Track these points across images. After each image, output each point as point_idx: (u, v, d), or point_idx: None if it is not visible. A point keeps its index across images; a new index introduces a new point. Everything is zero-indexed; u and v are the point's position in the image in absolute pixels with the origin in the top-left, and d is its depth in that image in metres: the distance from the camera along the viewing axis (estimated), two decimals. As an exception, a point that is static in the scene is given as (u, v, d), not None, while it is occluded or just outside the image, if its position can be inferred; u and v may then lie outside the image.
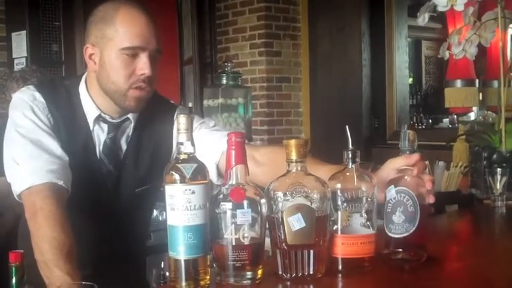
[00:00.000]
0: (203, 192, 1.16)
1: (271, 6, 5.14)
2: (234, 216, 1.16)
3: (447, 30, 3.06)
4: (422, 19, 2.34)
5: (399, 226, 1.30)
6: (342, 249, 1.26)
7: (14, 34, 5.04)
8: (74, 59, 5.04)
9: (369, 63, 4.93)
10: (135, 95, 1.58)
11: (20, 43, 5.01)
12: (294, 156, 1.22)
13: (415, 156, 1.34)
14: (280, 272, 1.21)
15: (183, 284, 1.16)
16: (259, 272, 1.20)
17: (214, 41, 5.48)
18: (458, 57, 2.47)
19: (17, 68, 4.73)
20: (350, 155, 1.29)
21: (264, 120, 5.16)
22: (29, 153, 1.51)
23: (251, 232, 1.17)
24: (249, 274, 1.18)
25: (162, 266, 2.17)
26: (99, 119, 1.64)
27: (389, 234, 1.32)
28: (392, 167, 1.38)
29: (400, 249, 1.31)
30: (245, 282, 1.18)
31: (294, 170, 1.22)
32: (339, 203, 1.25)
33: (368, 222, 1.26)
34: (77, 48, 5.01)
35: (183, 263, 1.16)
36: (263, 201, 1.19)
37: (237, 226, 1.16)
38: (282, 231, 1.19)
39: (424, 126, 6.89)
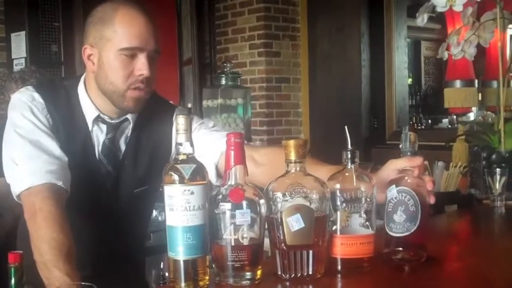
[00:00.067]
0: (202, 192, 1.16)
1: (270, 6, 5.15)
2: (233, 216, 1.16)
3: (446, 31, 3.07)
4: (421, 20, 2.34)
5: (400, 225, 1.30)
6: (341, 249, 1.26)
7: (13, 35, 5.04)
8: (74, 60, 5.04)
9: (368, 63, 4.93)
10: (133, 95, 1.58)
11: (19, 44, 5.01)
12: (293, 156, 1.22)
13: (418, 160, 1.34)
14: (279, 273, 1.21)
15: (182, 284, 1.16)
16: (259, 272, 1.20)
17: (213, 42, 5.49)
18: (457, 58, 2.47)
19: (16, 68, 4.73)
20: (349, 155, 1.29)
21: (263, 120, 5.17)
22: (28, 154, 1.51)
23: (250, 232, 1.17)
24: (248, 274, 1.18)
25: (162, 266, 2.17)
26: (98, 119, 1.64)
27: (390, 233, 1.32)
28: (393, 167, 1.39)
29: (401, 248, 1.31)
30: (244, 282, 1.18)
31: (293, 171, 1.22)
32: (338, 203, 1.25)
33: (367, 223, 1.26)
34: (76, 49, 5.01)
35: (182, 263, 1.16)
36: (262, 201, 1.19)
37: (236, 226, 1.16)
38: (281, 232, 1.19)
39: (423, 127, 6.89)
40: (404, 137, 1.38)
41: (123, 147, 1.68)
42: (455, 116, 4.97)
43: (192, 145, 1.19)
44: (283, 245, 1.20)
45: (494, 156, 2.26)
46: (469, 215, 2.21)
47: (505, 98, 2.37)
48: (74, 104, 1.65)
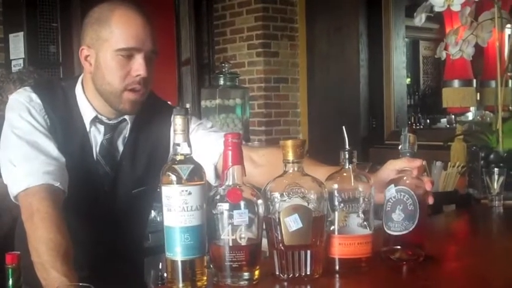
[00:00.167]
0: (200, 193, 1.16)
1: (268, 7, 5.14)
2: (230, 217, 1.16)
3: (444, 31, 3.07)
4: (419, 19, 2.35)
5: (398, 224, 1.31)
6: (339, 249, 1.26)
7: (11, 35, 5.03)
8: (72, 60, 5.03)
9: (367, 63, 4.93)
10: (129, 97, 1.58)
11: (17, 44, 5.01)
12: (290, 156, 1.22)
13: (418, 161, 1.35)
14: (277, 273, 1.21)
15: (180, 285, 1.16)
16: (257, 272, 1.20)
17: (211, 42, 5.48)
18: (455, 58, 2.47)
19: (14, 69, 4.73)
20: (347, 156, 1.29)
21: (261, 120, 5.16)
22: (26, 155, 1.51)
23: (248, 233, 1.17)
24: (246, 275, 1.18)
25: (160, 267, 2.17)
26: (95, 120, 1.64)
27: (388, 231, 1.32)
28: (392, 168, 1.39)
29: (399, 247, 1.32)
30: (242, 283, 1.18)
31: (290, 171, 1.22)
32: (336, 203, 1.25)
33: (365, 223, 1.26)
34: (74, 50, 5.00)
35: (180, 264, 1.16)
36: (260, 201, 1.19)
37: (234, 227, 1.16)
38: (279, 232, 1.19)
39: (421, 126, 6.90)
40: (403, 138, 1.39)
41: (121, 147, 1.68)
42: (453, 116, 4.98)
43: (189, 145, 1.19)
44: (281, 245, 1.19)
45: (492, 156, 2.26)
46: (467, 214, 2.21)
47: (503, 97, 2.37)
48: (71, 105, 1.64)
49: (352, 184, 1.27)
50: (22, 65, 4.83)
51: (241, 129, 3.70)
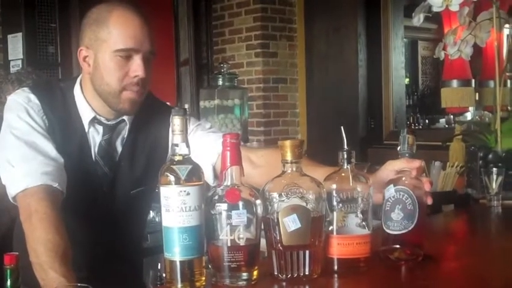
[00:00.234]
0: (198, 193, 1.16)
1: (267, 7, 5.14)
2: (229, 217, 1.16)
3: (443, 31, 3.07)
4: (418, 19, 2.35)
5: (397, 223, 1.31)
6: (338, 249, 1.26)
7: (10, 36, 5.03)
8: (70, 61, 5.03)
9: (365, 63, 4.93)
10: (129, 96, 1.58)
11: (16, 45, 5.01)
12: (289, 157, 1.22)
13: (417, 162, 1.35)
14: (275, 273, 1.21)
15: (179, 285, 1.16)
16: (255, 272, 1.20)
17: (210, 42, 5.48)
18: (453, 58, 2.47)
19: (12, 70, 4.72)
20: (345, 156, 1.29)
21: (260, 121, 5.16)
22: (24, 155, 1.51)
23: (246, 233, 1.17)
24: (244, 275, 1.18)
25: (159, 267, 2.17)
26: (94, 120, 1.64)
27: (387, 231, 1.32)
28: (391, 168, 1.40)
29: (398, 246, 1.32)
30: (241, 283, 1.18)
31: (289, 171, 1.23)
32: (335, 203, 1.26)
33: (363, 223, 1.27)
34: (73, 50, 5.00)
35: (178, 264, 1.16)
36: (258, 202, 1.19)
37: (233, 227, 1.16)
38: (277, 232, 1.19)
39: (420, 127, 6.90)
40: (402, 139, 1.39)
41: (119, 148, 1.68)
42: (452, 116, 4.97)
43: (188, 146, 1.19)
44: (279, 245, 1.20)
45: (490, 156, 2.27)
46: (466, 214, 2.21)
47: (502, 97, 2.38)
48: (70, 106, 1.64)
49: (351, 184, 1.27)
50: (20, 66, 4.83)
51: (240, 129, 3.69)
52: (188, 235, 1.15)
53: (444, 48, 2.51)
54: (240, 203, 1.17)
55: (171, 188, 1.16)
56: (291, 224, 1.18)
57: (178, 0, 5.48)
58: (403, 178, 1.35)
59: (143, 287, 1.93)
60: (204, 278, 1.18)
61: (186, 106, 4.97)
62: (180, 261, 1.16)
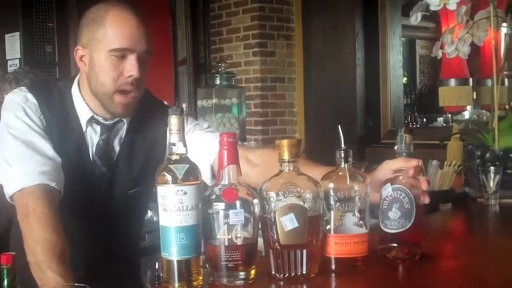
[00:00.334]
0: (195, 192, 1.16)
1: (265, 6, 5.14)
2: (226, 216, 1.16)
3: (440, 30, 3.07)
4: (415, 18, 2.34)
5: (395, 222, 1.31)
6: (335, 248, 1.26)
7: (7, 35, 5.03)
8: (68, 61, 5.03)
9: (363, 62, 4.93)
10: (121, 101, 1.58)
11: (13, 44, 5.00)
12: (286, 156, 1.22)
13: (414, 161, 1.35)
14: (273, 272, 1.21)
15: (176, 284, 1.16)
16: (252, 272, 1.20)
17: (208, 42, 5.48)
18: (451, 56, 2.47)
19: (10, 69, 4.72)
20: (342, 155, 1.29)
21: (258, 120, 5.16)
22: (21, 155, 1.51)
23: (244, 232, 1.17)
24: (242, 274, 1.18)
25: (157, 267, 2.16)
26: (92, 120, 1.64)
27: (385, 229, 1.32)
28: (388, 167, 1.40)
29: (395, 244, 1.32)
30: (238, 282, 1.18)
31: (286, 170, 1.22)
32: (332, 202, 1.26)
33: (361, 222, 1.27)
34: (70, 50, 5.00)
35: (175, 263, 1.16)
36: (256, 201, 1.19)
37: (230, 226, 1.16)
38: (274, 231, 1.19)
39: (418, 125, 6.91)
40: (399, 138, 1.39)
41: (117, 148, 1.68)
42: (450, 115, 4.97)
43: (185, 145, 1.19)
44: (277, 244, 1.19)
45: (488, 155, 2.26)
46: (463, 213, 2.21)
47: (499, 96, 2.37)
48: (67, 105, 1.64)
49: (348, 183, 1.27)
50: (18, 65, 4.83)
51: (238, 128, 3.69)
52: (185, 234, 1.15)
53: (442, 47, 2.51)
54: (238, 202, 1.17)
55: (168, 188, 1.15)
56: (288, 223, 1.18)
57: (176, 0, 5.47)
58: (401, 177, 1.35)
59: (141, 286, 1.93)
60: (201, 278, 1.18)
61: (184, 105, 4.96)
62: (178, 261, 1.16)
